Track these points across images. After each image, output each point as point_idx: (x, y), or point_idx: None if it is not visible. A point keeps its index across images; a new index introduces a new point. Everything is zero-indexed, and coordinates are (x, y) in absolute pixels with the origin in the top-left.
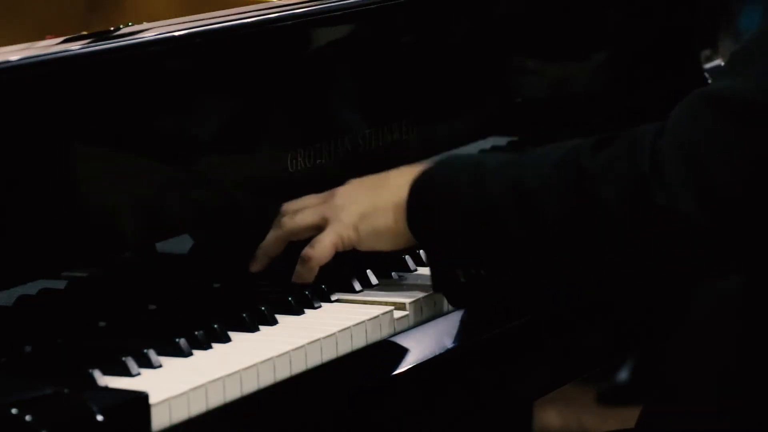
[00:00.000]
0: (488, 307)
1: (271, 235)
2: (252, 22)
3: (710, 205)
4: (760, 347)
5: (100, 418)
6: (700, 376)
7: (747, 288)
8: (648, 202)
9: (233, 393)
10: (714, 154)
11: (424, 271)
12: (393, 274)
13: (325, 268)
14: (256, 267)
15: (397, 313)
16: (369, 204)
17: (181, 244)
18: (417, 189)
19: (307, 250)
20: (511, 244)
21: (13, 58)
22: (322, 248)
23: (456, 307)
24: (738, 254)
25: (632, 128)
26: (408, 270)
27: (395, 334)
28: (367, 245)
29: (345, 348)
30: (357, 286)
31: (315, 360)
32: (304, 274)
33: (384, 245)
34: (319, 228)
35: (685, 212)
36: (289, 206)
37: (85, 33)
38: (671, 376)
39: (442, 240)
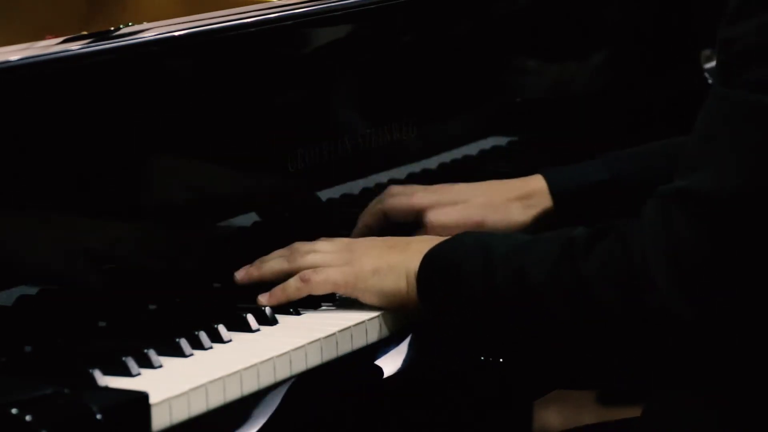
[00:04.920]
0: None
1: (276, 264)
2: (252, 22)
3: (697, 304)
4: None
5: (100, 418)
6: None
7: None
8: (642, 305)
9: (233, 393)
10: (690, 254)
11: None
12: None
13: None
14: (243, 278)
15: (398, 313)
16: (384, 262)
17: (180, 244)
18: (428, 264)
19: (309, 273)
20: (513, 335)
21: (13, 58)
22: (324, 280)
23: None
24: (733, 353)
25: (623, 220)
26: None
27: (395, 333)
28: (368, 299)
29: (345, 348)
30: None
31: (315, 360)
32: (291, 293)
33: (385, 305)
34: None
35: (677, 314)
36: (302, 246)
37: (85, 33)
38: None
39: (448, 321)
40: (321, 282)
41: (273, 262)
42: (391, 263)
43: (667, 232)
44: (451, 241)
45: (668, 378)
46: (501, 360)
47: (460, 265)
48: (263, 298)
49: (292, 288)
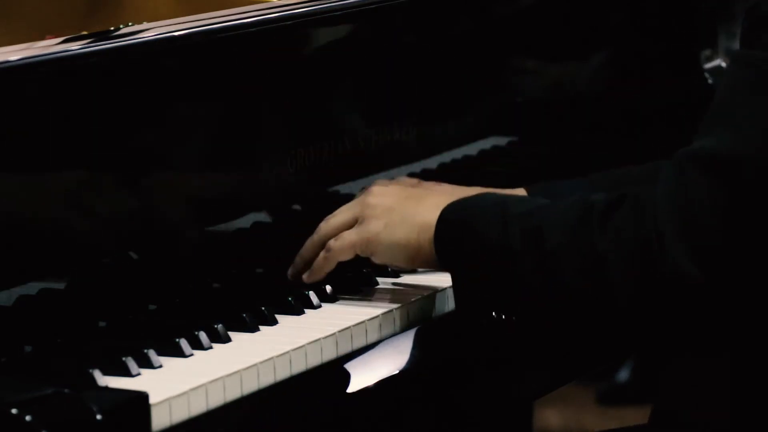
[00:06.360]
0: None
1: (308, 242)
2: (252, 22)
3: (709, 267)
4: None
5: (100, 418)
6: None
7: (734, 367)
8: (654, 274)
9: (233, 393)
10: (705, 215)
11: (426, 273)
12: (395, 275)
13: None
14: (293, 273)
15: (398, 313)
16: (398, 216)
17: (181, 244)
18: (447, 217)
19: (331, 242)
20: (526, 293)
21: (13, 58)
22: (342, 244)
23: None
24: (739, 316)
25: (638, 189)
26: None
27: (395, 334)
28: (382, 256)
29: (345, 348)
30: (357, 286)
31: (315, 360)
32: (323, 264)
33: (399, 260)
34: (351, 227)
35: (688, 276)
36: (328, 217)
37: (85, 33)
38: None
39: (466, 273)
40: (340, 248)
41: (306, 244)
42: (404, 215)
43: (681, 192)
44: (470, 198)
45: (678, 345)
46: (513, 317)
47: (475, 221)
48: (305, 276)
49: (320, 260)
